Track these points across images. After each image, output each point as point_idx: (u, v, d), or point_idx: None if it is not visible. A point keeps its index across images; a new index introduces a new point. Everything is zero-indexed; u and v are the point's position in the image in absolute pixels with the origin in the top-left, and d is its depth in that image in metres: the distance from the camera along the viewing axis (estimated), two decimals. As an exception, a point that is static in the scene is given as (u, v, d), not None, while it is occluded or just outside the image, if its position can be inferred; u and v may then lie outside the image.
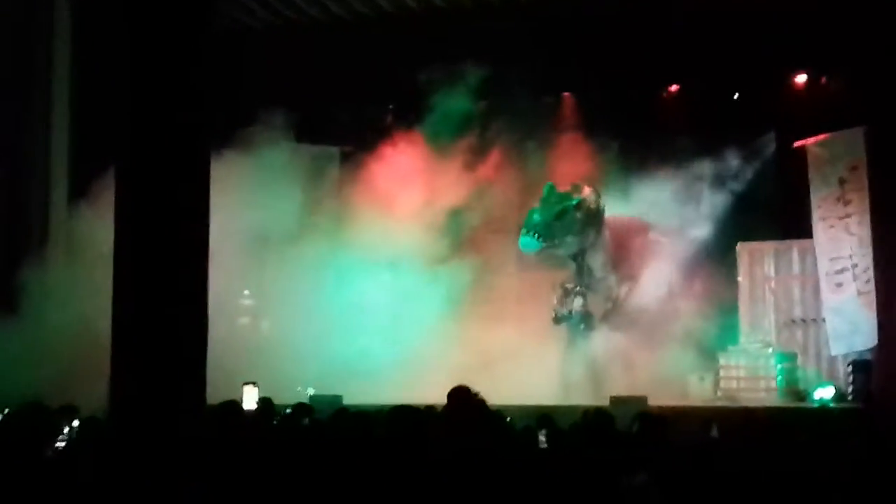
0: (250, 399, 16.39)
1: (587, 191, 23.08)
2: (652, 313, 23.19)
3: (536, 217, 22.58)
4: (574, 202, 22.81)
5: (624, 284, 24.00)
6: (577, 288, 23.83)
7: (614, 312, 23.84)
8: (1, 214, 22.10)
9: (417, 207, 24.01)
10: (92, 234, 17.81)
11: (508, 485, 7.05)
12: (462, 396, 7.81)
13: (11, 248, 21.59)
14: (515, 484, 7.08)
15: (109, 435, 7.19)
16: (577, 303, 23.77)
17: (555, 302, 23.70)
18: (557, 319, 23.59)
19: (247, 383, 17.36)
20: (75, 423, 9.85)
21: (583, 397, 20.21)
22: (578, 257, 23.67)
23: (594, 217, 23.22)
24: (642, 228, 23.97)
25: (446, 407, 7.63)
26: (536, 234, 22.44)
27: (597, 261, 23.85)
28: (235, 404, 8.69)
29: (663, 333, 22.60)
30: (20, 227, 22.12)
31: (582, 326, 23.58)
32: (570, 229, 22.81)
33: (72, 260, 21.03)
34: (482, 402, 7.94)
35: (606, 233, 23.64)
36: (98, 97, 19.62)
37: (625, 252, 23.95)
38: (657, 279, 23.45)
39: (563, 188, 22.99)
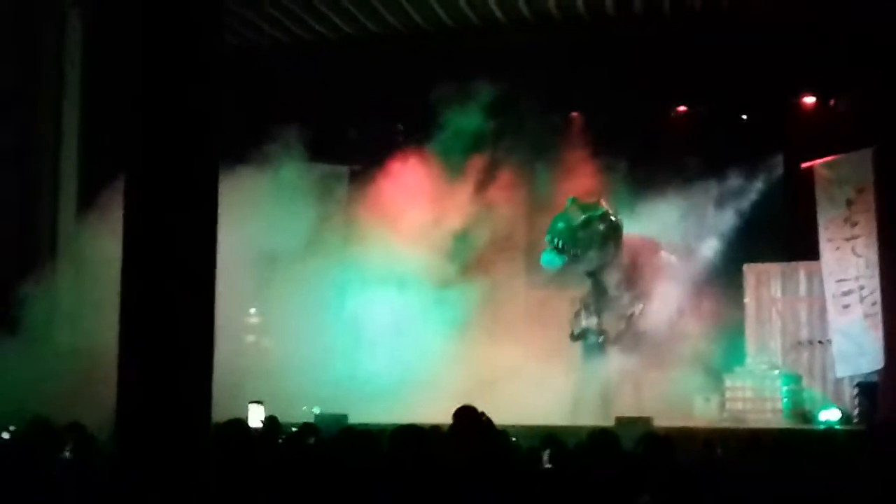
0: (255, 418, 16.41)
1: (606, 205, 23.13)
2: (660, 333, 23.18)
3: (560, 224, 22.63)
4: (599, 213, 22.90)
5: (637, 303, 23.94)
6: (593, 306, 23.84)
7: (626, 332, 23.80)
8: (10, 226, 22.13)
9: (425, 226, 24.04)
10: (100, 246, 17.83)
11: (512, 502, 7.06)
12: (468, 416, 7.81)
13: (20, 260, 21.60)
14: (519, 501, 7.08)
15: (115, 452, 7.20)
16: (593, 321, 23.79)
17: (573, 318, 23.72)
18: (575, 336, 23.58)
19: (252, 402, 17.40)
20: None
21: (589, 418, 20.19)
22: (595, 275, 23.64)
23: (615, 231, 23.23)
24: (654, 248, 23.97)
25: (452, 427, 7.63)
26: (560, 242, 22.44)
27: (612, 278, 23.81)
28: (241, 423, 8.70)
29: (670, 354, 22.61)
30: (29, 239, 22.15)
31: (597, 344, 23.55)
32: (594, 241, 22.84)
33: (79, 274, 21.03)
34: (488, 422, 7.95)
35: (622, 250, 23.62)
36: (107, 109, 19.65)
37: (638, 271, 23.92)
38: (666, 299, 23.43)
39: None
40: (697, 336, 22.85)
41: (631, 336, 23.70)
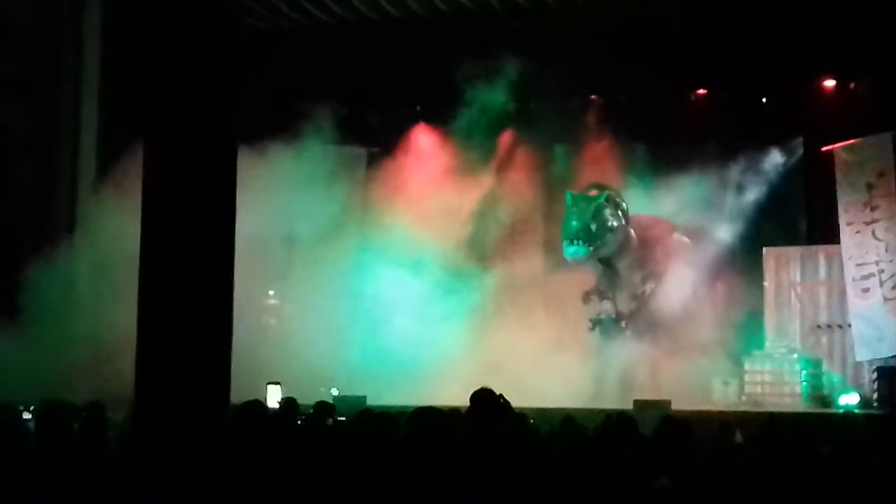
0: (273, 398, 16.44)
1: (608, 188, 23.22)
2: (678, 316, 23.14)
3: (574, 223, 22.79)
4: (602, 198, 23.02)
5: (649, 282, 23.93)
6: (608, 290, 23.91)
7: (640, 313, 23.78)
8: (28, 210, 22.22)
9: (443, 209, 24.05)
10: (118, 227, 17.88)
11: (530, 486, 7.06)
12: (485, 399, 7.81)
13: (38, 245, 21.67)
14: (537, 486, 7.08)
15: (132, 432, 7.23)
16: (608, 305, 23.86)
17: (585, 304, 23.79)
18: (594, 326, 23.68)
19: (270, 383, 17.43)
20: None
21: (608, 401, 20.13)
22: (608, 258, 23.71)
23: (621, 211, 23.34)
24: (667, 228, 23.92)
25: (469, 409, 7.64)
26: (580, 241, 22.54)
27: (624, 261, 23.84)
28: (259, 404, 8.72)
29: (689, 337, 22.57)
30: (48, 209, 22.25)
31: (614, 327, 23.60)
32: (607, 226, 23.00)
33: (97, 255, 21.07)
34: (506, 405, 7.94)
35: (632, 231, 23.64)
36: (125, 93, 19.71)
37: (649, 250, 23.91)
38: (681, 281, 23.39)
39: (582, 191, 23.20)
40: (716, 319, 22.84)
41: (645, 317, 23.67)
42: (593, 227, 22.80)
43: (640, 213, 23.97)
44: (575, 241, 22.75)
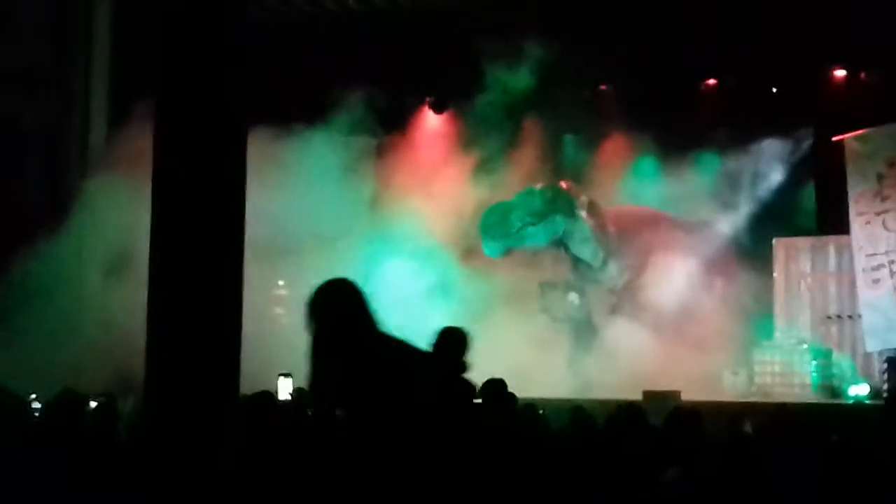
0: (284, 390, 16.46)
1: (545, 183, 23.57)
2: (678, 307, 23.17)
3: (489, 219, 23.66)
4: (524, 193, 23.67)
5: (627, 273, 24.07)
6: (575, 282, 24.13)
7: (628, 305, 23.87)
8: (38, 186, 22.27)
9: (453, 199, 24.10)
10: (128, 206, 17.93)
11: (541, 476, 7.07)
12: (495, 390, 7.84)
13: (48, 220, 21.70)
14: (548, 475, 7.09)
15: (141, 423, 7.23)
16: (573, 298, 24.02)
17: (542, 302, 23.95)
18: (555, 320, 23.81)
19: (281, 374, 17.43)
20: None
21: (613, 392, 20.10)
22: (566, 250, 23.92)
23: (556, 204, 23.56)
24: (653, 218, 24.01)
25: (481, 399, 7.66)
26: (491, 236, 23.44)
27: (585, 251, 23.97)
28: (269, 395, 8.73)
29: (697, 328, 22.55)
30: (57, 199, 22.28)
31: (585, 323, 23.79)
32: (525, 220, 23.47)
33: (106, 236, 21.08)
34: (511, 396, 7.96)
35: (588, 220, 23.69)
36: (137, 68, 19.72)
37: (629, 240, 23.99)
38: (677, 272, 23.45)
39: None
40: (726, 309, 22.81)
41: (635, 309, 23.72)
42: (507, 221, 23.48)
43: (649, 201, 24.03)
44: (488, 236, 23.52)
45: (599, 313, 24.15)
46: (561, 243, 23.96)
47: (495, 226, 23.47)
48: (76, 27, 22.80)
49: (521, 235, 23.50)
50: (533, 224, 23.43)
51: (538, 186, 23.65)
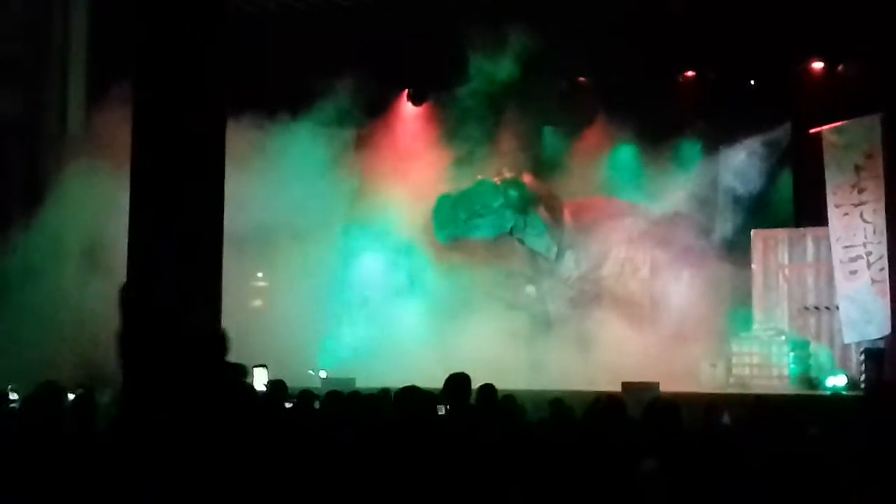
0: (259, 381, 16.39)
1: (499, 176, 23.79)
2: (657, 299, 23.25)
3: (440, 207, 24.42)
4: (476, 184, 24.35)
5: (584, 264, 24.27)
6: (530, 273, 24.35)
7: (598, 296, 24.09)
8: (16, 175, 22.17)
9: (430, 191, 24.20)
10: (105, 195, 17.88)
11: (518, 467, 7.06)
12: (460, 383, 7.85)
13: (27, 209, 21.63)
14: (525, 466, 7.08)
15: (119, 415, 7.21)
16: (529, 289, 24.21)
17: (504, 291, 24.15)
18: (515, 308, 24.00)
19: (256, 365, 17.34)
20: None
21: (582, 384, 20.06)
22: (521, 243, 24.13)
23: (507, 199, 24.24)
24: (620, 209, 24.16)
25: (443, 390, 7.67)
26: (440, 223, 24.26)
27: (539, 243, 24.21)
28: (247, 386, 8.70)
29: (675, 319, 22.61)
30: (35, 188, 22.20)
31: (544, 313, 23.97)
32: (473, 211, 24.25)
33: (84, 225, 21.00)
34: (490, 388, 7.96)
35: (543, 213, 23.91)
36: (114, 57, 19.64)
37: (589, 233, 24.17)
38: (656, 264, 23.58)
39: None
40: (704, 301, 22.86)
41: (608, 300, 23.88)
42: (458, 211, 24.33)
43: (629, 195, 24.10)
44: (440, 226, 24.38)
45: (557, 304, 24.27)
46: (513, 235, 24.21)
47: (444, 214, 23.86)
48: (53, 17, 22.68)
49: (468, 226, 23.88)
50: (480, 216, 23.75)
51: (494, 179, 23.92)
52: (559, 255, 24.50)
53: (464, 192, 24.13)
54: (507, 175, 24.17)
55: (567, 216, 24.22)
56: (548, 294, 24.40)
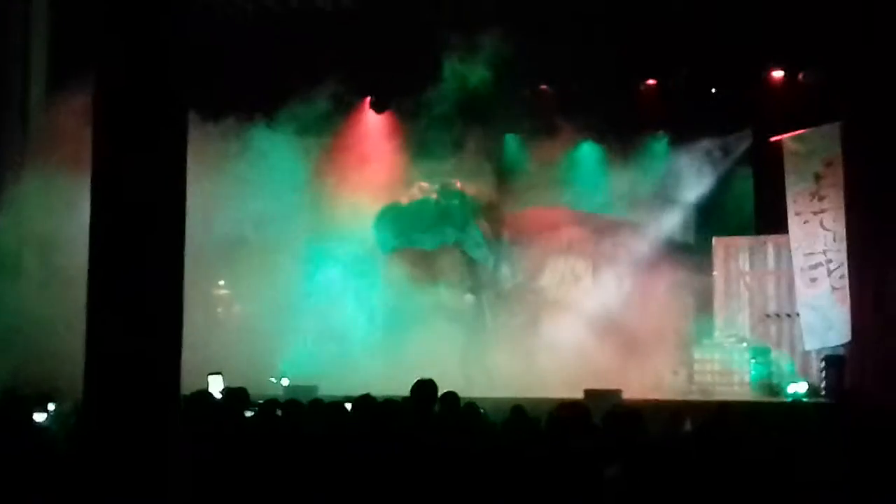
0: (215, 389, 16.27)
1: (442, 186, 24.05)
2: (611, 308, 23.28)
3: (383, 217, 24.51)
4: (419, 202, 24.62)
5: (520, 275, 24.47)
6: (469, 282, 24.56)
7: (536, 304, 24.22)
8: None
9: (393, 199, 24.22)
10: (65, 192, 17.73)
11: (482, 475, 7.05)
12: (425, 390, 7.83)
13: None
14: (489, 475, 7.08)
15: (81, 422, 7.15)
16: (468, 298, 24.40)
17: (449, 301, 24.30)
18: (460, 318, 24.17)
19: (211, 373, 17.22)
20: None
21: (549, 391, 20.05)
22: (462, 252, 24.36)
23: (448, 217, 24.53)
24: (566, 218, 24.27)
25: (412, 398, 7.65)
26: (380, 232, 24.38)
27: (478, 253, 24.45)
28: (206, 394, 8.66)
29: (635, 327, 22.62)
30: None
31: (488, 322, 24.15)
32: (414, 225, 24.55)
33: (43, 222, 20.79)
34: (453, 395, 7.94)
35: (483, 226, 24.19)
36: (76, 34, 19.50)
37: (528, 244, 24.33)
38: (604, 273, 23.72)
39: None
40: (665, 309, 22.88)
41: (542, 308, 24.03)
42: (405, 229, 24.58)
43: (588, 204, 24.18)
44: (381, 235, 24.51)
45: (499, 313, 24.40)
46: (456, 246, 24.44)
47: (386, 225, 24.21)
48: (10, 12, 22.50)
49: (410, 239, 24.07)
50: (421, 232, 24.05)
51: (434, 197, 24.32)
52: (496, 266, 24.69)
53: (407, 206, 24.28)
54: (451, 185, 24.32)
55: (506, 228, 24.44)
56: (489, 304, 24.56)
